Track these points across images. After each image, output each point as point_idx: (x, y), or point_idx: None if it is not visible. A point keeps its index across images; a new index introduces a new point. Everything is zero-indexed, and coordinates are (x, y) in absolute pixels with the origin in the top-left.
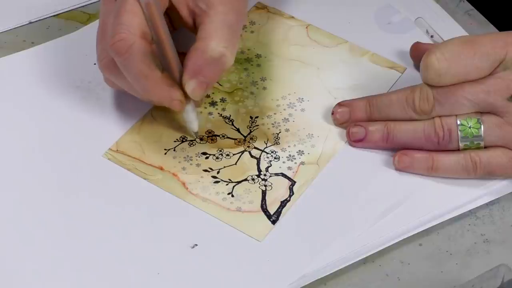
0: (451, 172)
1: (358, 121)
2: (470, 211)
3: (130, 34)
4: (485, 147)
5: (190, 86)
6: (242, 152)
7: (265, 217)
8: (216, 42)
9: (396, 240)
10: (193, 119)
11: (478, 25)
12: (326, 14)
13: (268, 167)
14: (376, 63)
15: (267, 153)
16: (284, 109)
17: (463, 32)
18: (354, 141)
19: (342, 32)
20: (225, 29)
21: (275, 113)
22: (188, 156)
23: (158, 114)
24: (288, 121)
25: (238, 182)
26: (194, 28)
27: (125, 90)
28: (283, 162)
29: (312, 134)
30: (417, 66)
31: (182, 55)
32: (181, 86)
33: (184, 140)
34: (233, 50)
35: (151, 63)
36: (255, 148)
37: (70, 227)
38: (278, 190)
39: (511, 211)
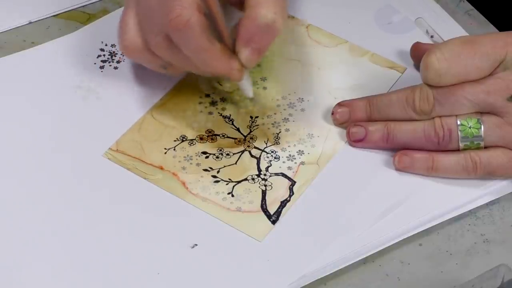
0: (451, 172)
1: (358, 121)
2: (470, 211)
3: (187, 9)
4: (485, 147)
5: (244, 53)
6: (242, 151)
7: (265, 217)
8: (266, 9)
9: (396, 240)
10: (248, 86)
11: (478, 25)
12: (326, 14)
13: (268, 167)
14: (376, 63)
15: (267, 152)
16: (284, 109)
17: (463, 32)
18: (354, 141)
19: (342, 32)
20: None
21: (275, 113)
22: (188, 155)
23: (158, 113)
24: (288, 121)
25: (238, 182)
26: (237, 2)
27: (170, 69)
28: (283, 162)
29: (312, 134)
30: (417, 66)
31: None
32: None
33: (184, 139)
34: (283, 17)
35: (210, 36)
36: (255, 147)
37: (70, 226)
38: (278, 190)
39: (511, 211)
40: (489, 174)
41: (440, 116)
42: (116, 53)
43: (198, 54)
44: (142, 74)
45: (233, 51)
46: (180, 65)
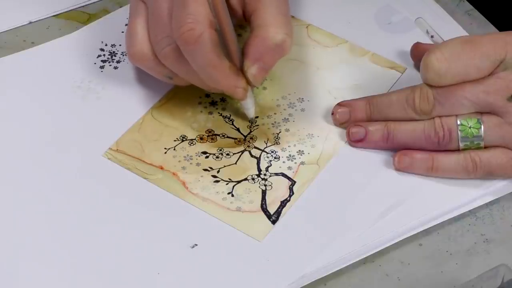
0: (451, 172)
1: (358, 121)
2: (470, 211)
3: (199, 23)
4: (485, 147)
5: (252, 72)
6: (242, 151)
7: (265, 217)
8: (275, 29)
9: (396, 240)
10: (251, 106)
11: (478, 25)
12: (326, 14)
13: (268, 166)
14: (376, 63)
15: (267, 152)
16: (284, 109)
17: (463, 32)
18: (354, 141)
19: (342, 32)
20: (282, 16)
21: (275, 113)
22: (188, 155)
23: (158, 113)
24: (288, 121)
25: (238, 182)
26: (243, 17)
27: (175, 80)
28: (283, 162)
29: (312, 134)
30: (417, 66)
31: None
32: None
33: (184, 139)
34: (292, 37)
35: (220, 52)
36: (255, 147)
37: (70, 226)
38: (278, 190)
39: (511, 211)
40: (489, 174)
41: (440, 116)
42: (116, 53)
43: (206, 69)
44: (142, 74)
45: (240, 69)
46: (186, 77)
